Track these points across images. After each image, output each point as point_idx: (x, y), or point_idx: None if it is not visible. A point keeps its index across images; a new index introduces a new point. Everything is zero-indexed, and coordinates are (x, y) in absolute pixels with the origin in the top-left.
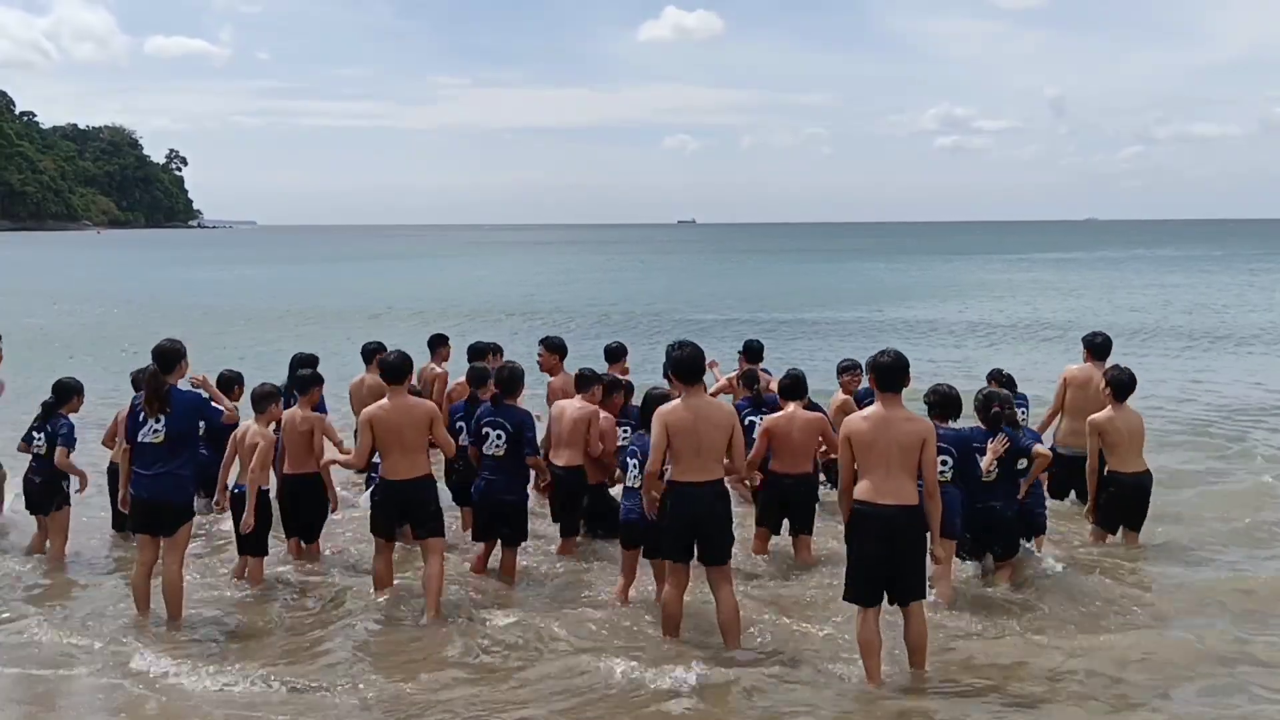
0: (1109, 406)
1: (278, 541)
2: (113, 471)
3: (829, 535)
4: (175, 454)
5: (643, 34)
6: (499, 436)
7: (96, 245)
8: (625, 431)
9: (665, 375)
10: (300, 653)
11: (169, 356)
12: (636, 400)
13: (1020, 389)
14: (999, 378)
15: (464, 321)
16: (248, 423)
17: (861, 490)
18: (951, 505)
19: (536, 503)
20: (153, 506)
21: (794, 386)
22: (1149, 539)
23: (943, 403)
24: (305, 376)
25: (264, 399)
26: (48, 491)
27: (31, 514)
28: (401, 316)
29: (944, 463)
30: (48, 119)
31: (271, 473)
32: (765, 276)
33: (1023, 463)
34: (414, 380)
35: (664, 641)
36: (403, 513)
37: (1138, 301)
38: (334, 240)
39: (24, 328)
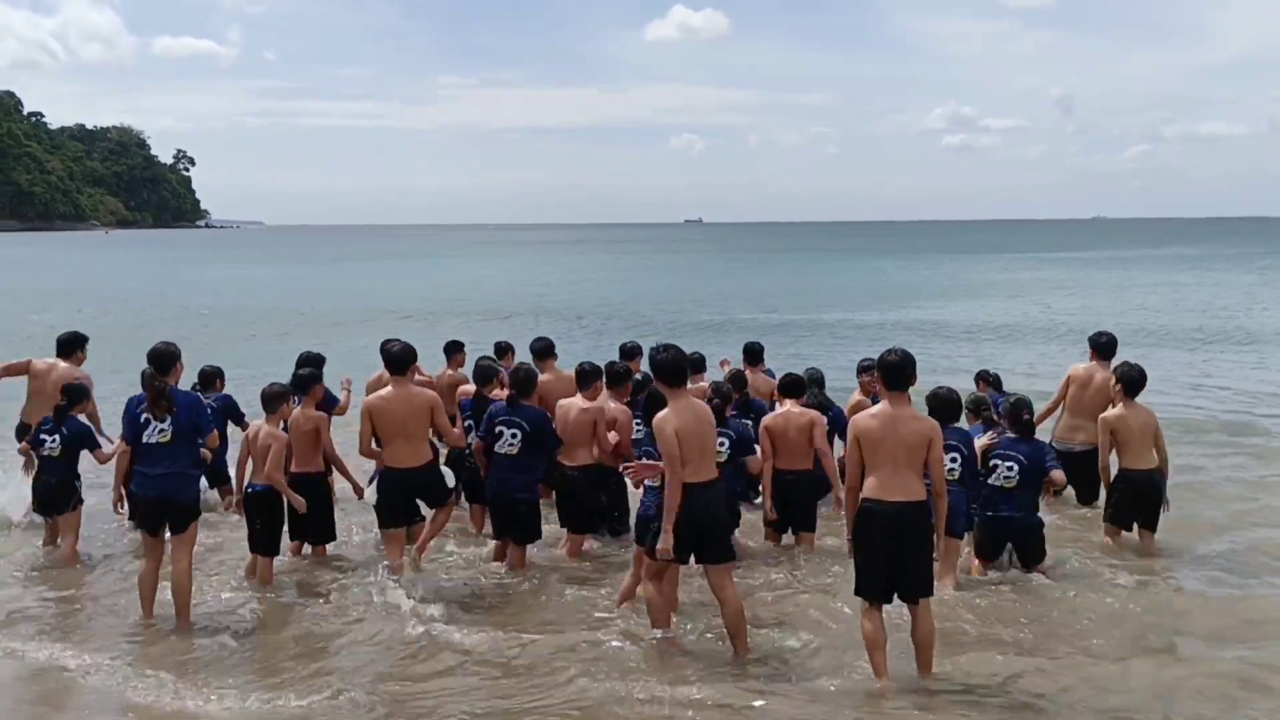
0: (1120, 404)
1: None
2: None
3: (832, 533)
4: (182, 452)
5: (649, 34)
6: (514, 435)
7: (106, 245)
8: (636, 423)
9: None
10: (306, 658)
11: (165, 359)
12: None
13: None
14: (987, 378)
15: (475, 321)
16: (259, 423)
17: (869, 488)
18: (958, 505)
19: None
20: (162, 506)
21: (792, 385)
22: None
23: (942, 406)
24: (305, 376)
25: (274, 399)
26: (63, 492)
27: (43, 515)
28: (443, 317)
29: (953, 460)
30: (55, 119)
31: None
32: (773, 275)
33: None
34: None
35: (668, 644)
36: (409, 501)
37: (1153, 302)
38: (340, 240)
39: (44, 326)
